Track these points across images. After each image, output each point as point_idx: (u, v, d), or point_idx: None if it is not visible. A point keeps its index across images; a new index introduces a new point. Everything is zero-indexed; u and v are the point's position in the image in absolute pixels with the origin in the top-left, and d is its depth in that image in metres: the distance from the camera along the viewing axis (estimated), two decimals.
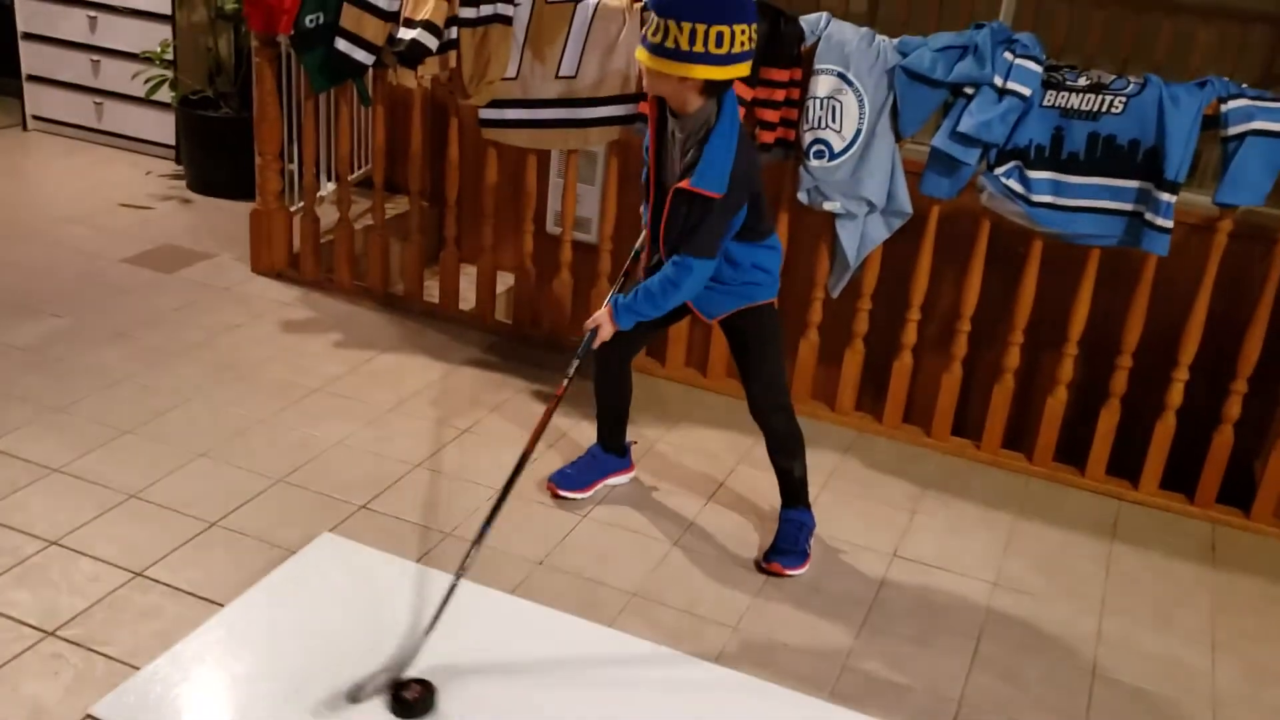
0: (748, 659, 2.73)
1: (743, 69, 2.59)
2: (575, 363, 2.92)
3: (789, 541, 3.08)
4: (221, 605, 2.72)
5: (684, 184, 2.67)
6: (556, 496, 3.28)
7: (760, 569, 3.05)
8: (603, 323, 2.89)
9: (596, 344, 2.91)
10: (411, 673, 2.50)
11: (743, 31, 2.54)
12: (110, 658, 2.52)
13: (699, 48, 2.52)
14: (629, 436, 3.39)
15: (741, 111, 3.42)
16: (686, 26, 2.50)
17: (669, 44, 2.54)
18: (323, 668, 2.57)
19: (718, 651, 2.75)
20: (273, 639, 2.64)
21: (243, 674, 2.53)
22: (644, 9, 3.54)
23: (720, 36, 2.51)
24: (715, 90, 2.63)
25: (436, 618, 2.60)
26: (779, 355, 3.02)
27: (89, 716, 2.36)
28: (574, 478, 3.31)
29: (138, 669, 2.50)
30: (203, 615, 2.68)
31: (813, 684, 2.67)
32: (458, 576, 2.65)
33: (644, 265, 3.00)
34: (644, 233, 3.05)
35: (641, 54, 2.62)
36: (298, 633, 2.67)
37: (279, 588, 2.81)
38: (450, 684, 2.51)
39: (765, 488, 3.33)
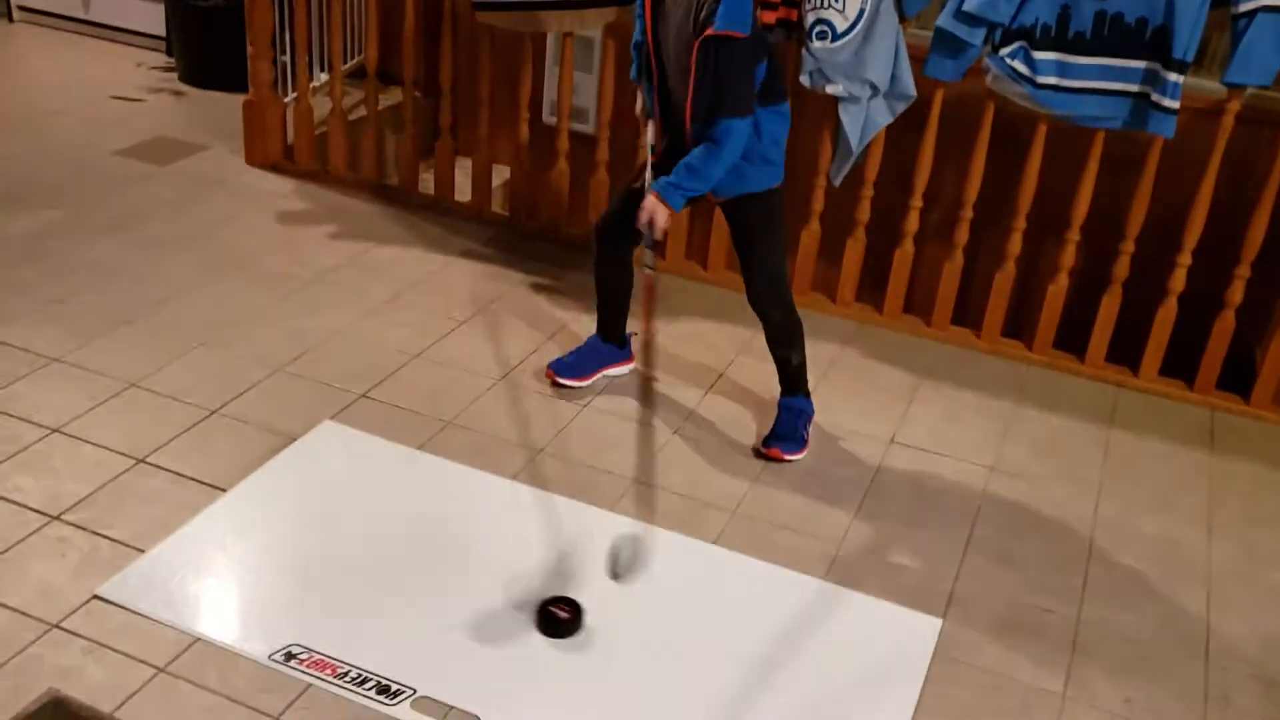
0: (746, 541, 2.76)
1: None
2: (649, 253, 2.83)
3: (787, 428, 3.09)
4: (224, 491, 2.74)
5: (709, 31, 2.61)
6: (555, 384, 3.28)
7: (759, 454, 3.07)
8: (656, 209, 2.79)
9: (659, 234, 2.82)
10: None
11: None
12: (115, 541, 2.54)
13: None
14: (629, 328, 3.38)
15: None
16: None
17: None
18: (324, 551, 2.60)
19: (716, 534, 2.78)
20: (275, 523, 2.67)
21: (245, 557, 2.56)
22: None
23: None
24: None
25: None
26: (781, 247, 2.99)
27: (96, 597, 2.39)
28: (573, 366, 3.31)
29: (142, 552, 2.53)
30: (205, 500, 2.70)
31: (809, 565, 2.70)
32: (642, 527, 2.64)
33: (655, 161, 2.93)
34: (647, 127, 2.99)
35: None
36: (300, 517, 2.70)
37: (281, 473, 2.83)
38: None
39: (764, 378, 3.34)
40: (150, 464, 2.80)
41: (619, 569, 2.49)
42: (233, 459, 2.84)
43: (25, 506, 2.62)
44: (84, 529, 2.57)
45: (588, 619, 2.45)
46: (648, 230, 2.82)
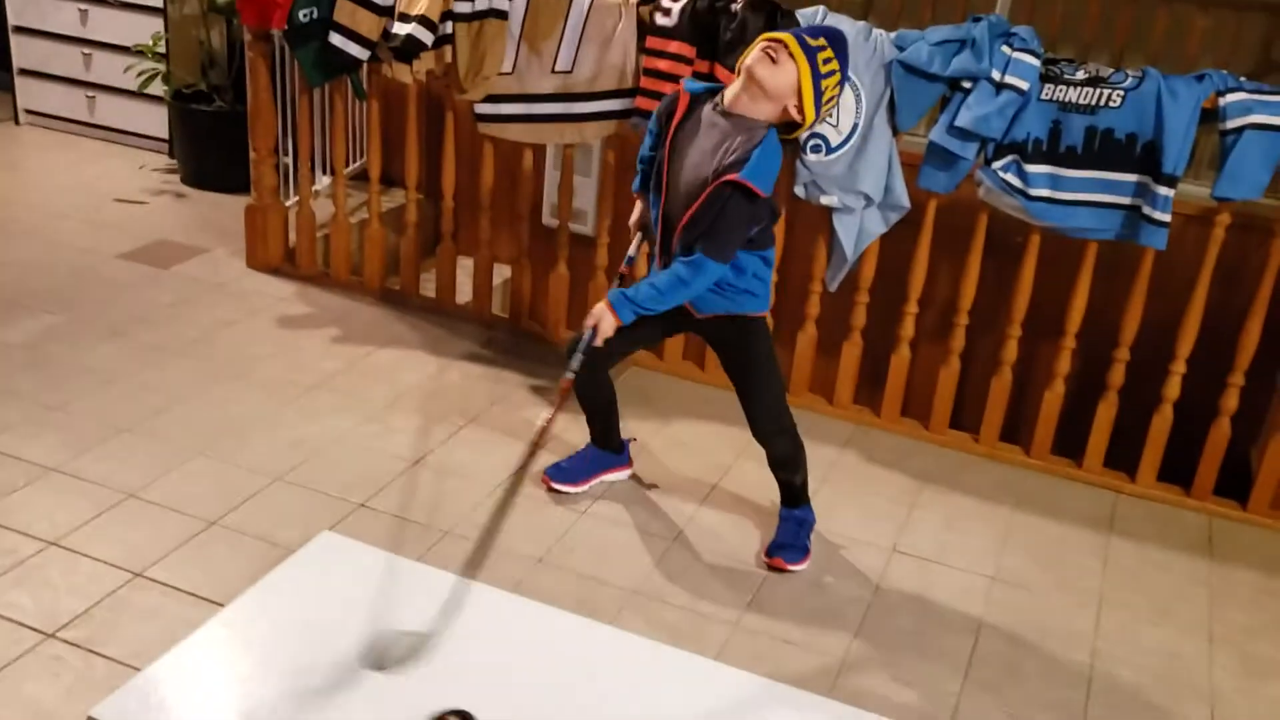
0: (749, 657, 2.74)
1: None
2: (578, 357, 2.87)
3: (790, 537, 3.09)
4: (222, 605, 2.72)
5: (732, 176, 2.65)
6: (551, 490, 3.28)
7: (764, 564, 3.06)
8: (603, 317, 2.83)
9: (599, 341, 2.87)
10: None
11: (835, 86, 2.74)
12: (111, 659, 2.52)
13: (808, 98, 2.69)
14: (626, 434, 3.38)
15: None
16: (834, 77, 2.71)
17: (823, 69, 2.70)
18: (325, 667, 2.57)
19: (719, 648, 2.76)
20: (274, 638, 2.64)
21: (244, 674, 2.52)
22: (640, 4, 3.52)
23: (829, 86, 2.71)
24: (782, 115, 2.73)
25: (446, 616, 2.55)
26: (777, 376, 3.01)
27: (90, 719, 2.36)
28: (568, 472, 3.31)
29: (138, 670, 2.49)
30: (203, 615, 2.67)
31: (814, 681, 2.68)
32: (466, 579, 2.61)
33: (633, 267, 3.00)
34: (635, 238, 3.04)
35: (795, 47, 2.68)
36: (299, 632, 2.67)
37: (279, 587, 2.80)
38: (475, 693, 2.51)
39: (763, 483, 3.33)
40: (147, 578, 2.78)
41: (386, 661, 2.40)
42: (231, 572, 2.83)
43: (20, 624, 2.59)
44: (79, 646, 2.55)
45: None
46: (587, 335, 2.84)
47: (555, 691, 2.59)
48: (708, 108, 2.76)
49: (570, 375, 2.87)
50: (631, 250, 3.03)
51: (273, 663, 2.56)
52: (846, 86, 3.34)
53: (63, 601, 2.68)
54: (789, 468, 3.07)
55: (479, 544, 2.65)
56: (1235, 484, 3.58)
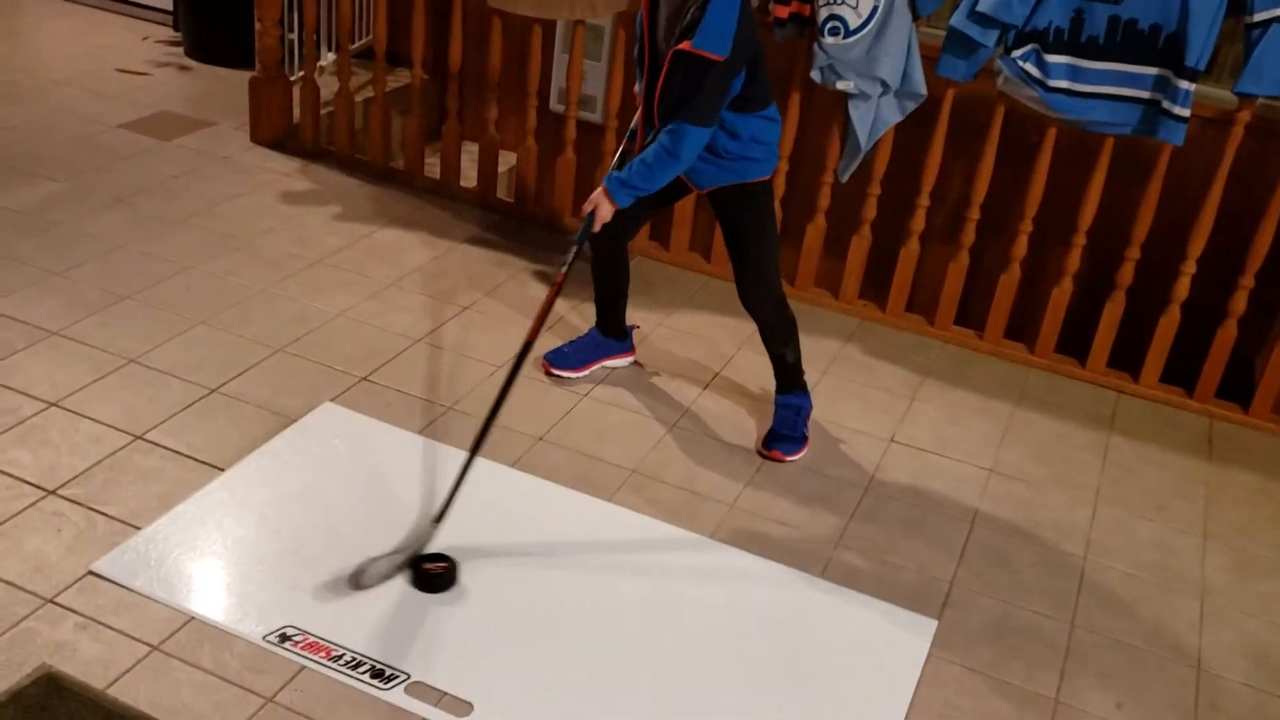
0: (742, 536, 2.76)
1: None
2: (574, 248, 2.84)
3: (787, 426, 3.08)
4: (222, 469, 2.73)
5: (684, 45, 2.59)
6: (550, 374, 3.27)
7: (760, 455, 3.06)
8: (600, 203, 2.81)
9: (597, 226, 2.84)
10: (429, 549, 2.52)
11: None
12: (111, 517, 2.54)
13: None
14: (631, 321, 3.37)
15: None
16: None
17: None
18: (322, 533, 2.59)
19: (713, 528, 2.78)
20: (273, 504, 2.66)
21: (242, 537, 2.55)
22: None
23: None
24: None
25: (449, 503, 2.57)
26: (772, 243, 2.98)
27: (90, 573, 2.39)
28: (569, 357, 3.30)
29: (139, 529, 2.52)
30: (203, 479, 2.70)
31: (806, 562, 2.70)
32: (470, 456, 2.62)
33: (640, 145, 2.93)
34: (638, 112, 2.98)
35: None
36: (298, 498, 2.69)
37: (280, 454, 2.82)
38: (467, 560, 2.53)
39: (765, 373, 3.32)
40: (148, 441, 2.79)
41: (364, 580, 2.44)
42: (231, 438, 2.84)
43: (22, 480, 2.61)
44: (80, 504, 2.56)
45: (584, 608, 2.45)
46: (585, 221, 2.82)
47: (545, 560, 2.62)
48: None
49: (564, 268, 2.81)
50: (632, 123, 2.98)
51: (271, 527, 2.59)
52: None
53: (64, 460, 2.69)
54: (778, 339, 3.05)
55: (484, 422, 2.64)
56: (1238, 388, 3.57)
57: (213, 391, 3.00)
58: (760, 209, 2.92)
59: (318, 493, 2.72)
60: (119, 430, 2.81)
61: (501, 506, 2.76)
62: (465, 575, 2.50)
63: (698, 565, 2.67)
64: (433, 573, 2.46)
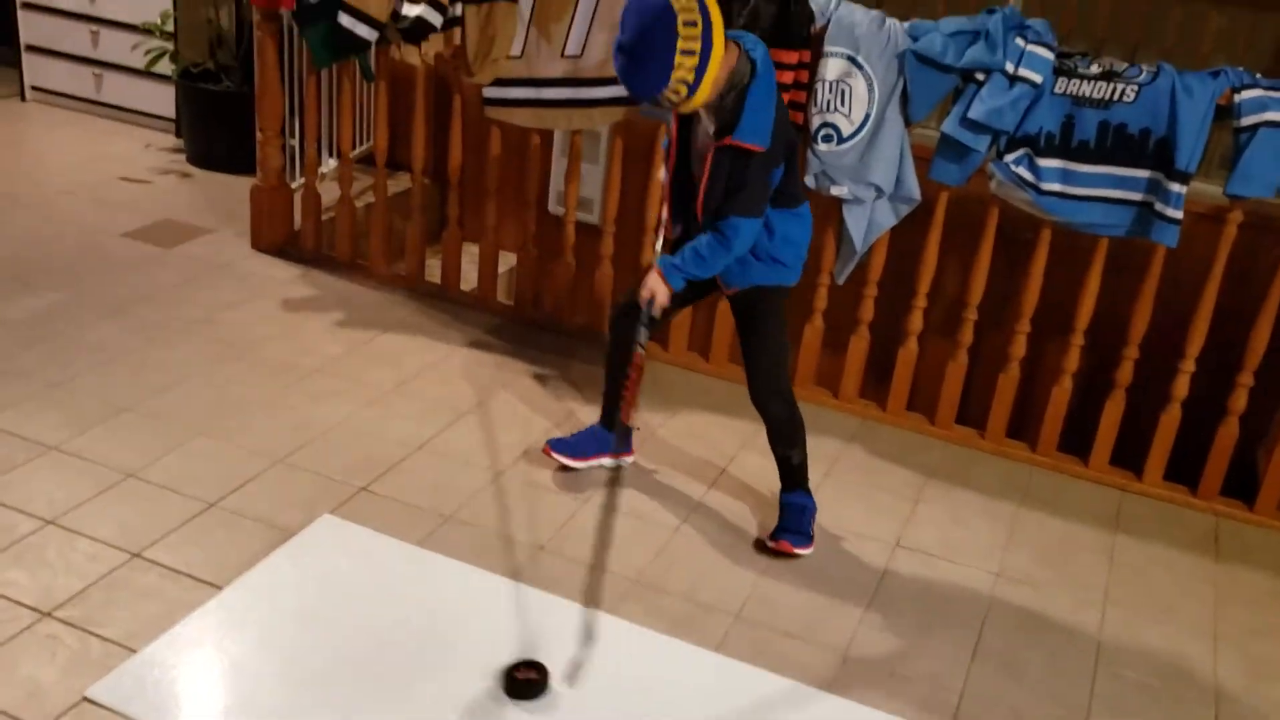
0: (749, 649, 2.72)
1: (718, 28, 2.55)
2: (643, 330, 2.87)
3: (794, 522, 3.07)
4: (220, 587, 2.70)
5: (727, 140, 2.66)
6: (549, 456, 3.27)
7: (765, 548, 3.04)
8: (656, 286, 2.85)
9: (657, 310, 2.88)
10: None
11: (691, 41, 2.50)
12: (107, 639, 2.50)
13: (681, 95, 2.56)
14: (634, 424, 3.36)
15: None
16: (658, 98, 2.57)
17: (666, 107, 2.62)
18: (323, 651, 2.55)
19: (718, 640, 2.74)
20: (272, 622, 2.63)
21: (241, 658, 2.51)
22: None
23: (678, 78, 2.52)
24: (729, 61, 2.62)
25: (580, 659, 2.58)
26: (783, 342, 3.00)
27: (85, 699, 2.34)
28: (572, 445, 3.30)
29: (135, 651, 2.48)
30: (201, 597, 2.66)
31: (814, 674, 2.66)
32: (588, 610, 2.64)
33: (669, 237, 2.98)
34: (665, 201, 3.00)
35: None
36: (298, 616, 2.66)
37: (279, 570, 2.79)
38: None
39: (767, 474, 3.32)
40: (145, 559, 2.76)
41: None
42: (230, 554, 2.81)
43: (17, 602, 2.57)
44: (76, 626, 2.53)
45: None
46: (646, 306, 2.86)
47: (556, 674, 2.57)
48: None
49: (640, 349, 2.87)
50: (664, 211, 3.02)
51: (270, 647, 2.55)
52: (859, 75, 3.32)
53: (60, 580, 2.66)
54: (785, 440, 3.05)
55: (592, 567, 2.70)
56: (1242, 484, 3.56)
57: (211, 506, 2.98)
58: (777, 311, 2.98)
59: (317, 610, 2.68)
60: (116, 548, 2.78)
61: (501, 622, 2.72)
62: (471, 689, 2.46)
63: (704, 681, 2.63)
64: (523, 680, 2.49)
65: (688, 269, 2.82)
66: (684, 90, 2.55)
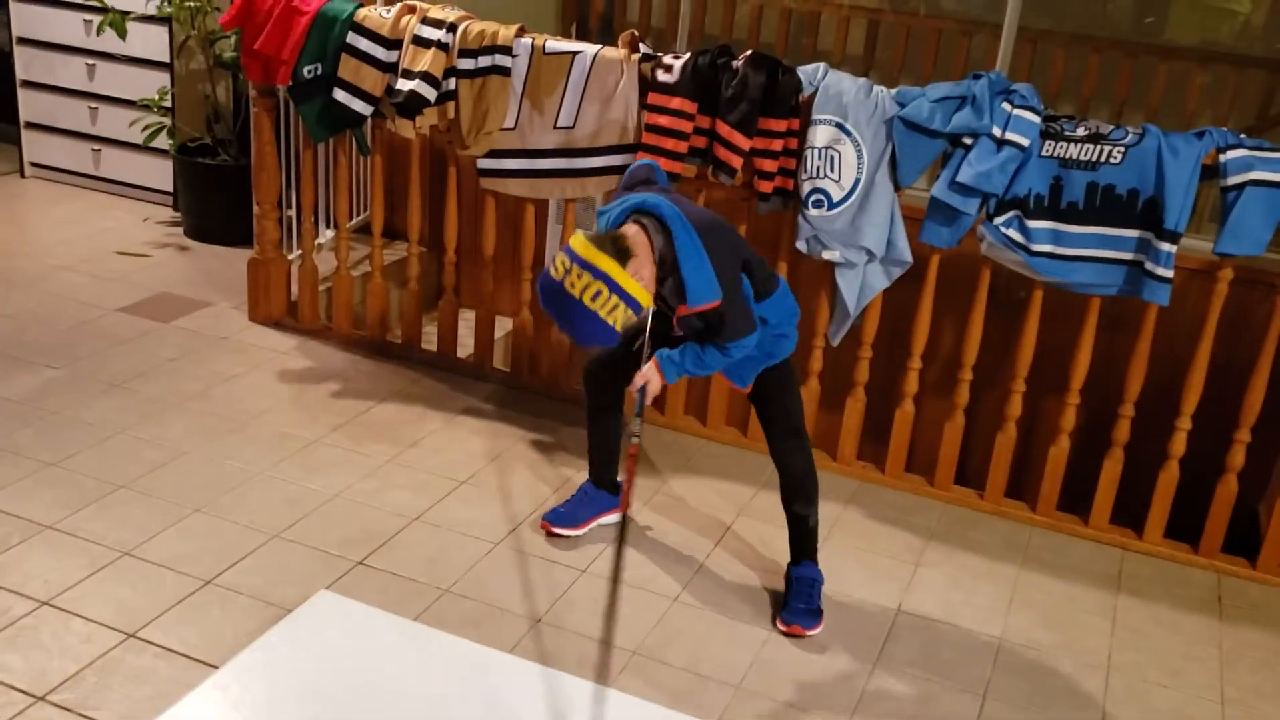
0: (751, 719, 2.69)
1: (609, 264, 2.48)
2: (638, 421, 2.81)
3: (803, 599, 3.04)
4: (216, 667, 2.68)
5: (682, 310, 2.69)
6: (551, 534, 3.26)
7: (780, 631, 3.00)
8: (651, 377, 2.83)
9: (649, 400, 2.86)
10: None
11: (599, 304, 2.47)
12: None
13: (628, 319, 2.52)
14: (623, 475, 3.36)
15: (739, 162, 3.44)
16: (621, 327, 2.52)
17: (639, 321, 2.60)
18: None
19: (720, 712, 2.71)
20: (270, 702, 2.60)
21: None
22: (641, 61, 3.55)
23: (608, 315, 2.49)
24: (646, 257, 2.59)
25: None
26: (797, 397, 3.04)
27: None
28: (567, 515, 3.30)
29: None
30: (197, 678, 2.64)
31: None
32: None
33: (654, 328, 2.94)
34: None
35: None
36: (295, 695, 2.63)
37: (275, 648, 2.77)
38: None
39: (766, 538, 3.31)
40: (141, 639, 2.74)
41: None
42: (225, 633, 2.79)
43: (11, 687, 2.55)
44: (70, 710, 2.51)
45: None
46: (639, 395, 2.83)
47: None
48: None
49: (635, 440, 2.81)
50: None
51: None
52: (848, 142, 3.36)
53: (54, 663, 2.64)
54: (803, 497, 3.03)
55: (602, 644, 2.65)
56: (1245, 540, 3.54)
57: (207, 583, 2.96)
58: (788, 376, 3.00)
59: (313, 689, 2.66)
60: (111, 628, 2.76)
61: (500, 697, 2.69)
62: None
63: None
64: None
65: (686, 367, 2.83)
66: (633, 314, 2.52)
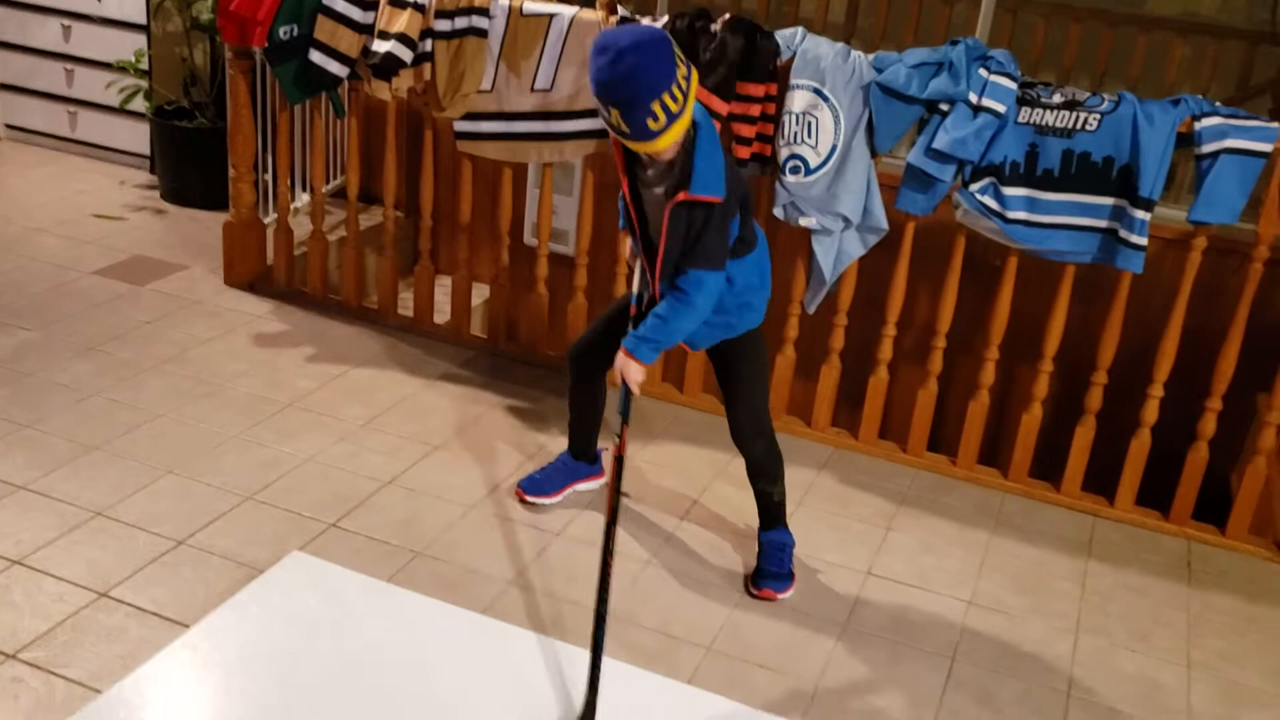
0: (721, 681, 2.71)
1: (700, 94, 2.52)
2: (621, 418, 2.77)
3: (774, 563, 3.05)
4: (188, 626, 2.68)
5: (682, 196, 2.59)
6: (524, 501, 3.27)
7: (750, 594, 3.02)
8: (626, 366, 2.75)
9: (635, 389, 2.78)
10: None
11: (684, 79, 2.47)
12: (72, 681, 2.48)
13: (659, 123, 2.46)
14: (602, 444, 3.36)
15: (717, 125, 3.42)
16: (639, 111, 2.44)
17: (634, 128, 2.47)
18: (291, 690, 2.53)
19: (691, 673, 2.73)
20: (240, 661, 2.60)
21: (208, 698, 2.49)
22: (619, 23, 3.53)
23: (668, 100, 2.44)
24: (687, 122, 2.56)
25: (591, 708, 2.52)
26: (765, 381, 3.00)
27: None
28: (541, 483, 3.30)
29: (99, 692, 2.46)
30: (168, 637, 2.64)
31: (786, 706, 2.65)
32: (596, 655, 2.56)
33: (642, 302, 2.89)
34: (635, 274, 2.96)
35: (617, 137, 2.57)
36: (266, 654, 2.64)
37: (247, 608, 2.77)
38: None
39: (740, 505, 3.32)
40: (112, 598, 2.74)
41: None
42: (197, 592, 2.79)
43: None
44: (40, 668, 2.50)
45: None
46: (622, 390, 2.78)
47: (525, 711, 2.56)
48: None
49: (617, 437, 2.77)
50: (635, 287, 2.93)
51: (238, 686, 2.53)
52: (825, 107, 3.35)
53: (25, 622, 2.63)
54: (766, 477, 3.03)
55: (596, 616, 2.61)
56: (1216, 507, 3.57)
57: (179, 544, 2.96)
58: (755, 352, 2.93)
59: (285, 649, 2.66)
60: (83, 588, 2.76)
61: (472, 658, 2.70)
62: None
63: (678, 714, 2.62)
64: None
65: (654, 337, 2.73)
66: (664, 118, 2.45)
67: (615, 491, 2.71)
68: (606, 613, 2.59)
